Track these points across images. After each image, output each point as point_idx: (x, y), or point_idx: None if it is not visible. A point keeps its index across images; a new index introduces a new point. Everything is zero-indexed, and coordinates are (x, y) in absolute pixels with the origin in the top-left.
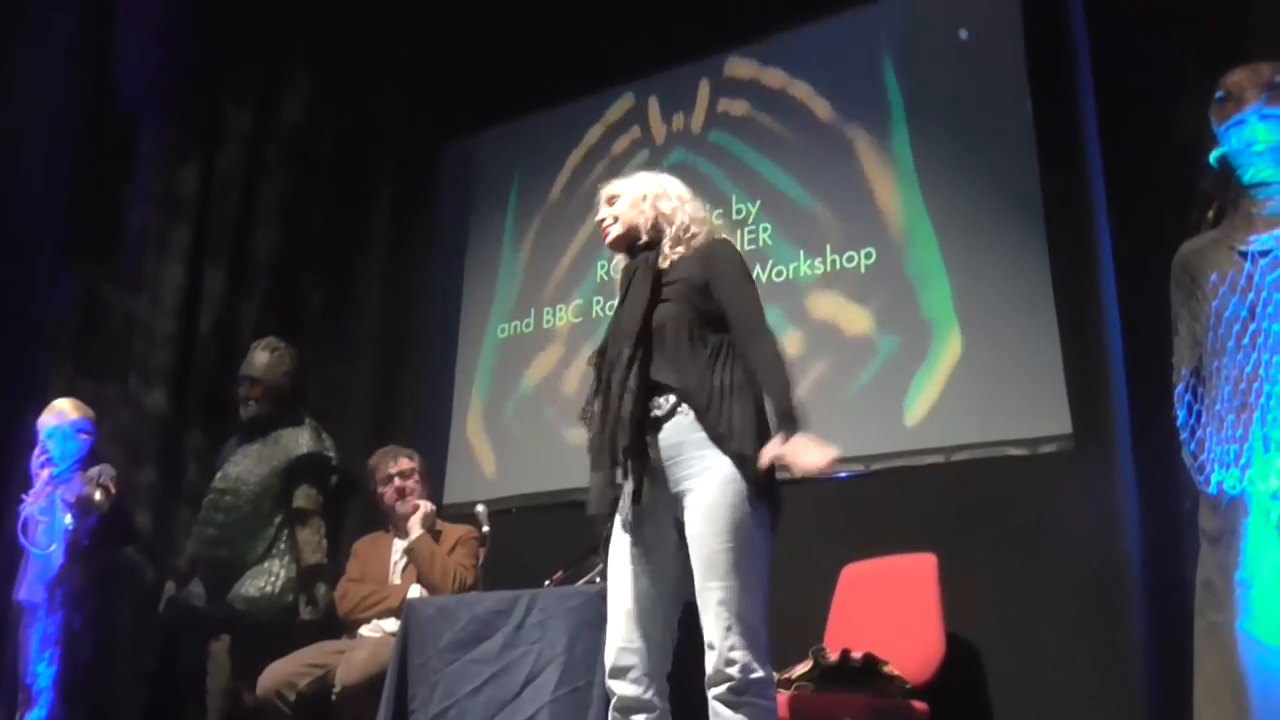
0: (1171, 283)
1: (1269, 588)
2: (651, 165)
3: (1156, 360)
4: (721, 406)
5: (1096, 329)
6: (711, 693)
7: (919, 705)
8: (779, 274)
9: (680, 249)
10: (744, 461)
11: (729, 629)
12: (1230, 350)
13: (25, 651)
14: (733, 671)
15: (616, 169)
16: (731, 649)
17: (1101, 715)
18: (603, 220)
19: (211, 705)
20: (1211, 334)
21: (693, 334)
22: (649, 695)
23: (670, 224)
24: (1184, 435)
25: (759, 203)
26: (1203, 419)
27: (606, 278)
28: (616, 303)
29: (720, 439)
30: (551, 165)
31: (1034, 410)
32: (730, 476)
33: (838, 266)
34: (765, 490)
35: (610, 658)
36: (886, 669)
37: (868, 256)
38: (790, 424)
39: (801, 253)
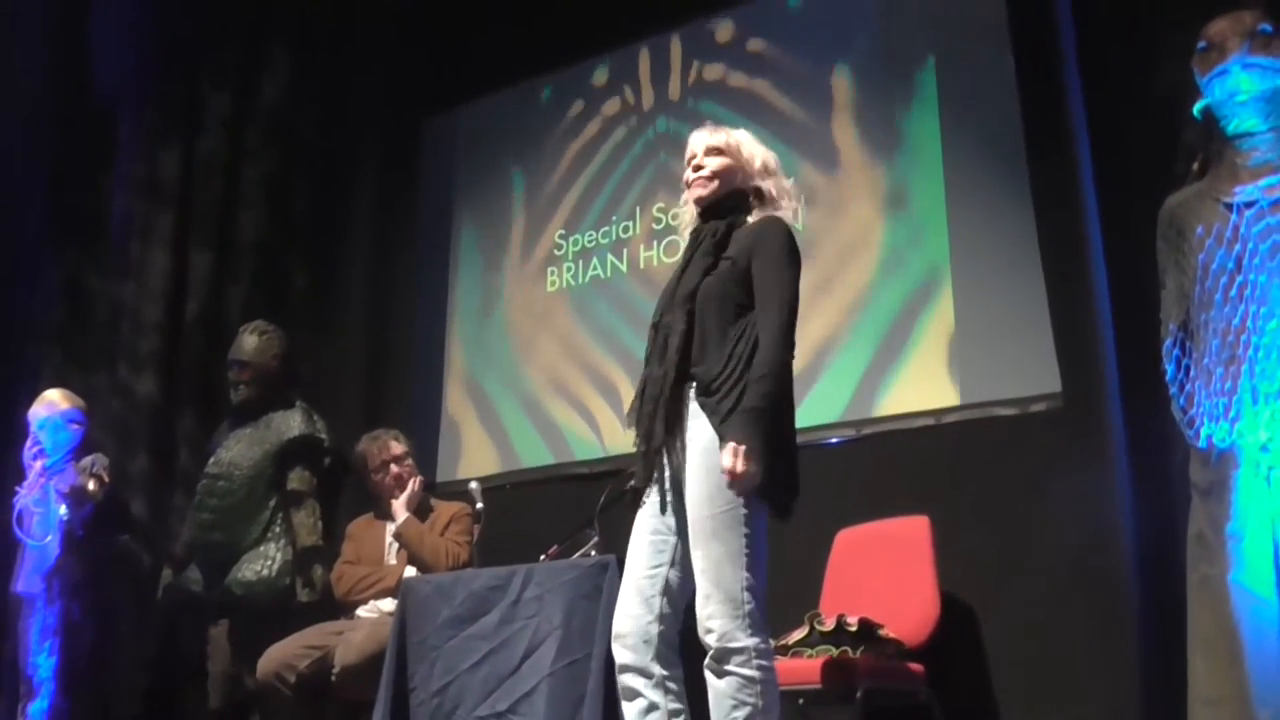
0: (1158, 237)
1: (1259, 540)
2: (636, 135)
3: (1144, 316)
4: (725, 383)
5: (1083, 286)
6: (704, 663)
7: (915, 667)
8: None
9: (750, 207)
10: (723, 437)
11: (707, 597)
12: (1218, 303)
13: (25, 643)
14: (709, 640)
15: (601, 139)
16: (709, 618)
17: (1096, 670)
18: (698, 171)
19: (212, 689)
20: (1198, 287)
21: (725, 313)
22: (646, 662)
23: (760, 199)
24: (1173, 390)
25: None
26: (1191, 373)
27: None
28: (680, 263)
29: (714, 414)
30: (533, 139)
31: (1023, 370)
32: (713, 448)
33: (823, 232)
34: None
35: (615, 623)
36: (882, 632)
37: (852, 222)
38: (745, 415)
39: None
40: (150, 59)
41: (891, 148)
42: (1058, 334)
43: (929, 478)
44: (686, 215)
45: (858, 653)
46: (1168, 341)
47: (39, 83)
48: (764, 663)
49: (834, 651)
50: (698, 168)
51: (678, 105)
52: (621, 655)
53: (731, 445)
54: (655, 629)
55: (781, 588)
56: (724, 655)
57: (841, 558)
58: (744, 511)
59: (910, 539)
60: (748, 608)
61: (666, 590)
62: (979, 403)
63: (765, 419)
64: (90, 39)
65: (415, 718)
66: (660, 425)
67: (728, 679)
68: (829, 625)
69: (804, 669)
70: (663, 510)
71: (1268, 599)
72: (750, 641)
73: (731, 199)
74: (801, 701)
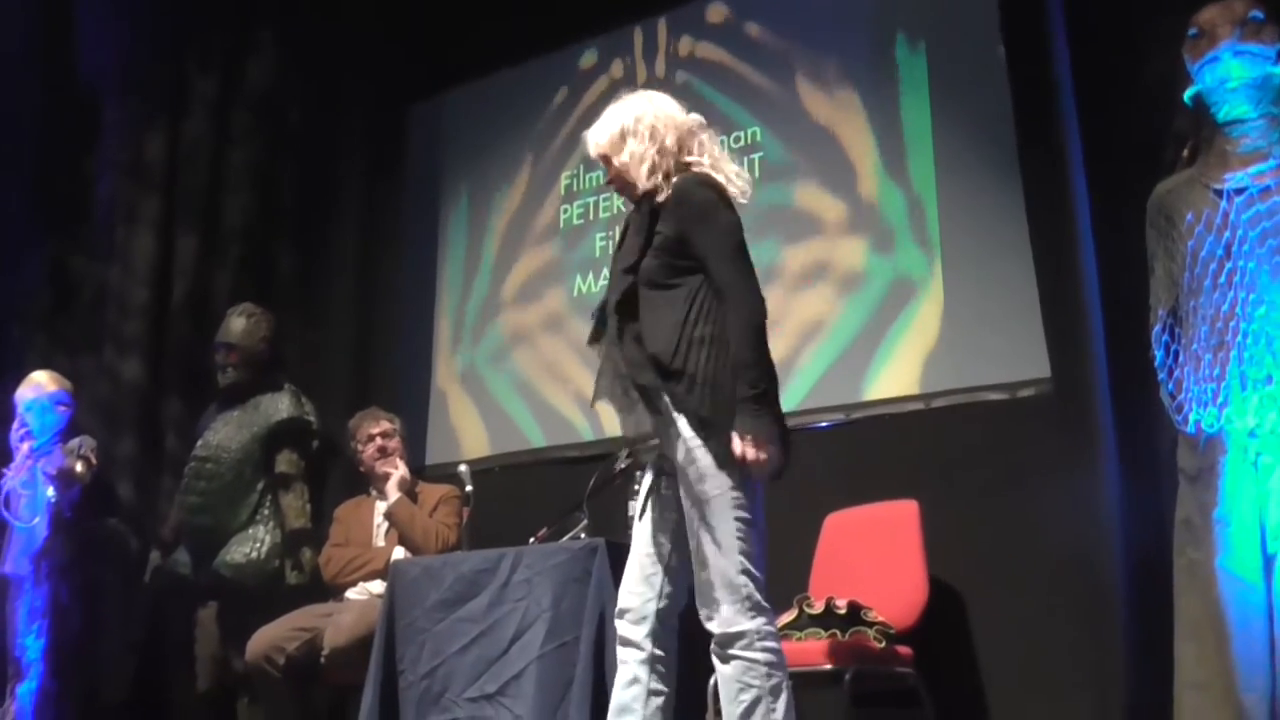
0: (1147, 223)
1: (1246, 525)
2: None
3: (1133, 301)
4: (685, 367)
5: (1073, 272)
6: (710, 647)
7: (903, 650)
8: (755, 224)
9: (662, 186)
10: (702, 423)
11: (705, 583)
12: (1207, 289)
13: (13, 625)
14: (712, 627)
15: (587, 122)
16: (709, 604)
17: (1083, 655)
18: (611, 185)
19: (201, 671)
20: (1188, 273)
21: (662, 290)
22: (641, 637)
23: (645, 161)
24: (1162, 375)
25: (731, 145)
26: (1180, 359)
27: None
28: (615, 249)
29: (681, 404)
30: (520, 122)
31: (1012, 355)
32: (689, 437)
33: (813, 217)
34: (721, 443)
35: (619, 598)
36: (871, 615)
37: (844, 206)
38: (743, 406)
39: (778, 201)
40: (136, 42)
41: (882, 132)
42: (1047, 319)
43: (918, 462)
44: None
45: (846, 635)
46: (1157, 327)
47: (24, 66)
48: (769, 644)
49: (823, 634)
50: (606, 180)
51: (672, 82)
52: (621, 629)
53: (744, 436)
54: (653, 606)
55: (770, 571)
56: (727, 640)
57: (830, 541)
58: (735, 495)
59: (899, 523)
60: (746, 591)
61: (668, 569)
62: (968, 387)
63: (763, 400)
64: (76, 22)
65: (404, 700)
66: (642, 406)
67: (733, 664)
68: (818, 608)
69: (793, 651)
70: (663, 489)
71: (1254, 584)
72: (752, 625)
73: (645, 181)
74: (789, 683)
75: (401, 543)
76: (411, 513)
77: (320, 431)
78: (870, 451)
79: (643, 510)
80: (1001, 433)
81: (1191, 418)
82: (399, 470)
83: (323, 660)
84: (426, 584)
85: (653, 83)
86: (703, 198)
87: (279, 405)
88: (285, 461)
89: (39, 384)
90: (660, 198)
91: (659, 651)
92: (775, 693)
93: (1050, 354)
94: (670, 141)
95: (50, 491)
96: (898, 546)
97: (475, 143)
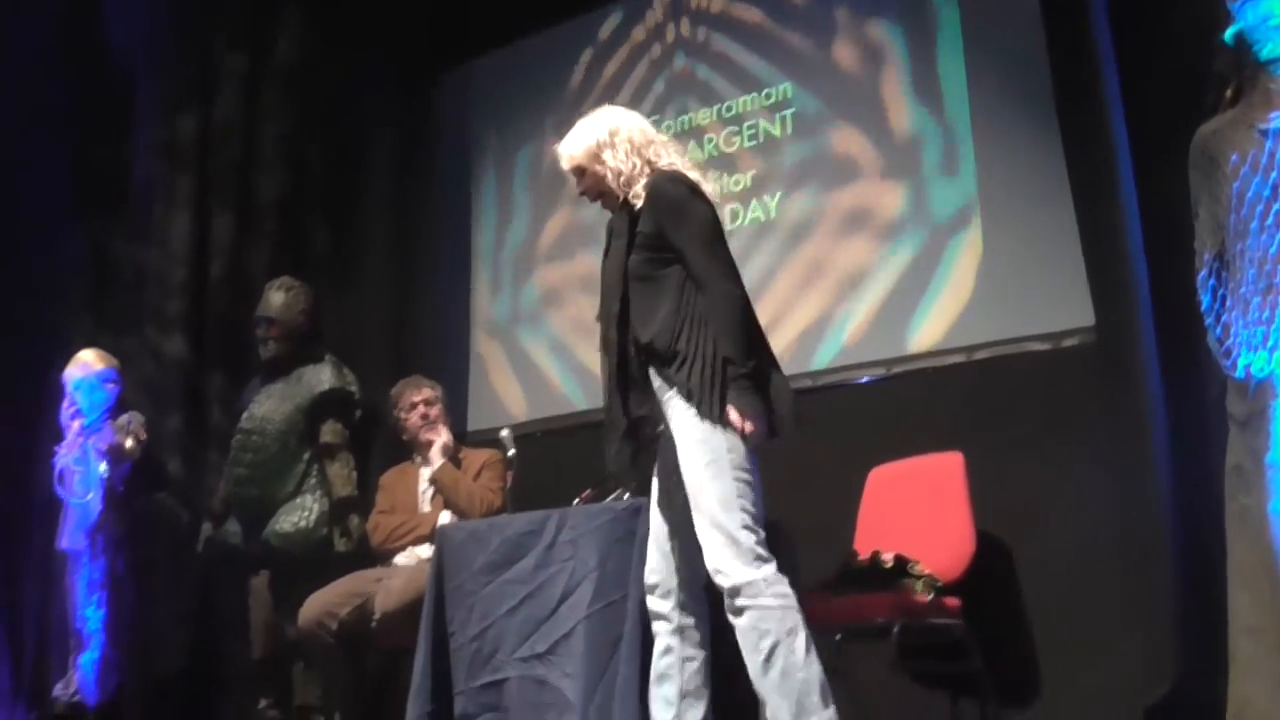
0: (1190, 166)
1: None
2: (656, 74)
3: (1178, 246)
4: (676, 346)
5: (1115, 218)
6: (725, 608)
7: (951, 602)
8: (789, 178)
9: (638, 192)
10: (691, 394)
11: (710, 543)
12: (1254, 231)
13: (73, 598)
14: (721, 582)
15: (619, 82)
16: (716, 562)
17: (1133, 604)
18: (585, 194)
19: (255, 639)
20: (1234, 216)
21: (650, 283)
22: (668, 610)
23: (623, 173)
24: (1209, 320)
25: (763, 103)
26: (1227, 303)
27: None
28: (603, 256)
29: (674, 380)
30: (548, 86)
31: (1055, 304)
32: (683, 409)
33: (849, 171)
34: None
35: (645, 575)
36: (917, 568)
37: (879, 158)
38: (733, 385)
39: (811, 155)
40: (164, 22)
41: (917, 82)
42: (1090, 267)
43: (962, 414)
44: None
45: (893, 589)
46: (1203, 272)
47: (55, 50)
48: (779, 588)
49: (870, 588)
50: (580, 190)
51: (695, 42)
52: (650, 603)
53: (737, 413)
54: (675, 580)
55: (816, 526)
56: (736, 592)
57: (875, 496)
58: (731, 456)
59: (944, 475)
60: (748, 544)
61: (683, 540)
62: (1011, 338)
63: (751, 378)
64: (104, 3)
65: (455, 662)
66: (630, 404)
67: (746, 615)
68: (864, 562)
69: (840, 606)
70: (659, 476)
71: None
72: (758, 574)
73: (623, 190)
74: (839, 638)
75: (447, 507)
76: (456, 478)
77: (362, 401)
78: (913, 405)
79: (653, 488)
80: (1046, 383)
81: (1240, 362)
82: (442, 436)
83: (374, 625)
84: (473, 547)
85: (679, 43)
86: (675, 193)
87: (321, 376)
88: (329, 431)
89: (86, 363)
90: (637, 203)
91: (688, 620)
92: (792, 634)
93: (1094, 302)
94: (648, 154)
95: (102, 467)
96: (943, 499)
97: (503, 109)
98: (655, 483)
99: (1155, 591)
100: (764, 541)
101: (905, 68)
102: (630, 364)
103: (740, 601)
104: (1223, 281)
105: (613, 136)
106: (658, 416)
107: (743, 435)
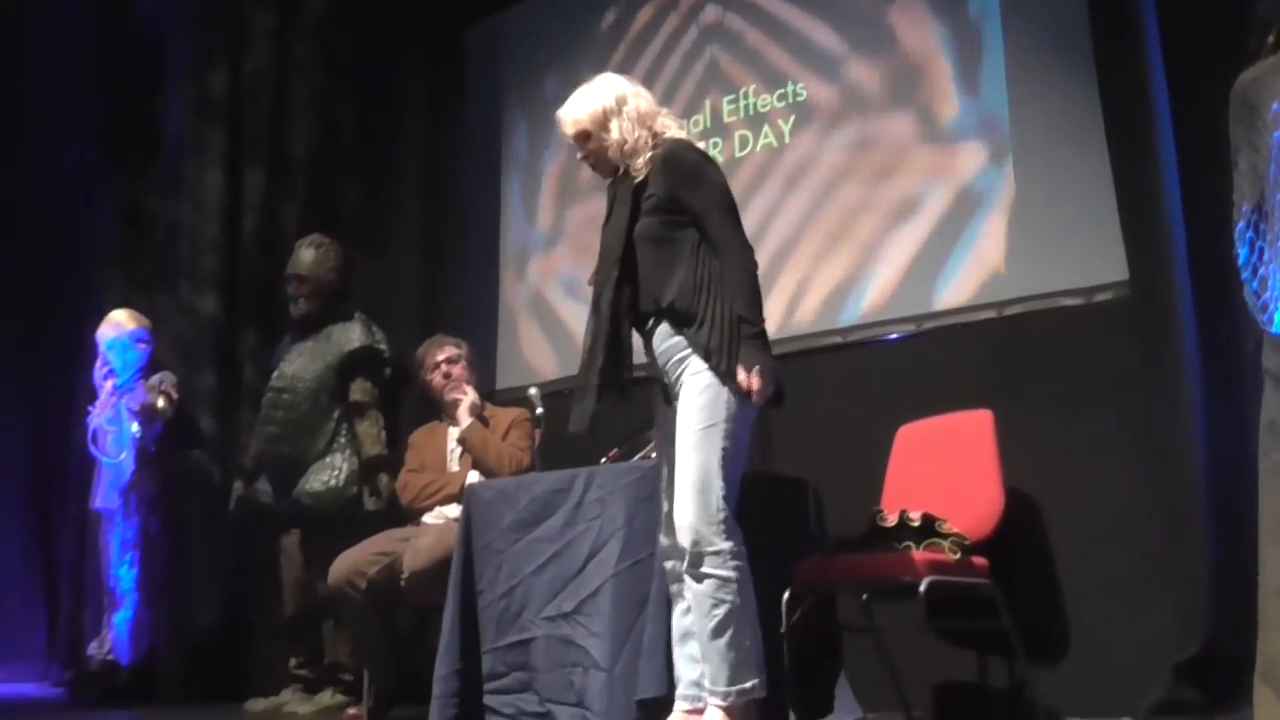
0: (1230, 115)
1: None
2: (685, 27)
3: (1215, 197)
4: (698, 311)
5: (1151, 169)
6: (682, 569)
7: (979, 561)
8: (818, 135)
9: (644, 159)
10: (709, 355)
11: (686, 505)
12: None
13: (106, 556)
14: (685, 543)
15: (646, 37)
16: (687, 524)
17: (1164, 561)
18: (582, 156)
19: (286, 596)
20: (1274, 166)
21: (665, 245)
22: (684, 569)
23: (628, 142)
24: (1245, 274)
25: (796, 60)
26: (1265, 256)
27: None
28: (603, 223)
29: (694, 340)
30: (579, 37)
31: (1088, 258)
32: (698, 369)
33: (881, 124)
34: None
35: (660, 537)
36: (945, 527)
37: (909, 112)
38: (749, 344)
39: (841, 112)
40: None
41: (952, 34)
42: (1124, 219)
43: (992, 371)
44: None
45: (921, 548)
46: (1240, 224)
47: (87, 8)
48: (739, 563)
49: (897, 547)
50: (581, 155)
51: None
52: (667, 565)
53: (753, 369)
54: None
55: (843, 484)
56: (700, 559)
57: (903, 454)
58: (727, 425)
59: (973, 433)
60: (722, 515)
61: None
62: (1043, 294)
63: (762, 337)
64: None
65: (483, 619)
66: (599, 371)
67: (707, 581)
68: (891, 521)
69: (867, 564)
70: (666, 440)
71: None
72: (726, 545)
73: (625, 159)
74: (865, 597)
75: (475, 467)
76: (484, 437)
77: (392, 359)
78: (943, 362)
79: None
80: (1078, 339)
81: (1277, 317)
82: (469, 395)
83: (403, 583)
84: (502, 506)
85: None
86: (693, 159)
87: (350, 334)
88: (359, 390)
89: (118, 323)
90: (640, 174)
91: None
92: (745, 608)
93: (1128, 255)
94: (654, 125)
95: (135, 427)
96: (972, 457)
97: (533, 62)
98: (664, 446)
99: (1187, 550)
100: (736, 512)
101: (940, 21)
102: (621, 326)
103: (705, 568)
104: (1261, 234)
105: (620, 105)
106: (659, 377)
107: (748, 394)
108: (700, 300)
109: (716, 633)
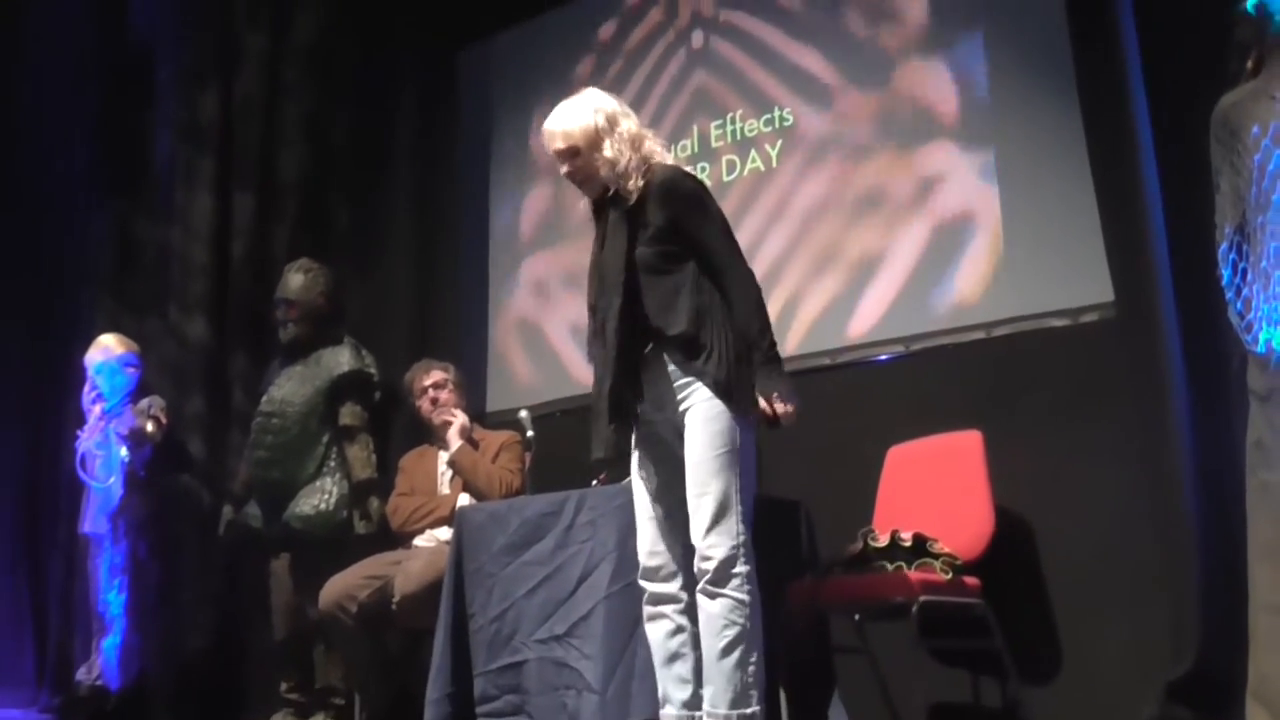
0: (1211, 138)
1: None
2: (673, 52)
3: (1198, 220)
4: (705, 341)
5: (1135, 191)
6: (697, 588)
7: (971, 581)
8: (805, 159)
9: (634, 182)
10: (718, 386)
11: (708, 529)
12: (1275, 204)
13: (95, 581)
14: (708, 566)
15: (638, 58)
16: (710, 547)
17: (1154, 582)
18: (569, 175)
19: (277, 621)
20: (1254, 188)
21: (666, 275)
22: (676, 590)
23: (620, 163)
24: (1229, 294)
25: (783, 85)
26: (1248, 277)
27: None
28: (595, 247)
29: (699, 370)
30: (570, 62)
31: (1074, 279)
32: (708, 397)
33: (867, 146)
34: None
35: (642, 560)
36: (936, 547)
37: (896, 139)
38: (766, 369)
39: (831, 132)
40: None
41: (935, 55)
42: (1109, 241)
43: (981, 392)
44: (584, 202)
45: (913, 568)
46: (1223, 245)
47: (77, 30)
48: (753, 588)
49: (889, 567)
50: (567, 171)
51: (713, 19)
52: (655, 587)
53: (770, 395)
54: (680, 560)
55: (835, 506)
56: (721, 580)
57: (894, 474)
58: (744, 452)
59: (963, 453)
60: (743, 538)
61: (679, 522)
62: (1030, 315)
63: (778, 361)
64: None
65: (475, 643)
66: (615, 397)
67: (721, 601)
68: (883, 541)
69: (859, 584)
70: (653, 463)
71: None
72: (744, 569)
73: (616, 180)
74: (858, 617)
75: (466, 490)
76: (474, 459)
77: (382, 383)
78: (932, 383)
79: (634, 478)
80: (1065, 359)
81: (1262, 337)
82: (459, 418)
83: (394, 606)
84: (492, 529)
85: (696, 17)
86: (691, 187)
87: (340, 359)
88: (348, 414)
89: (107, 347)
90: (631, 197)
91: (692, 597)
92: (753, 632)
93: (1113, 276)
94: (644, 149)
95: (123, 452)
96: (962, 477)
97: (524, 85)
98: (642, 470)
99: (1177, 569)
100: (753, 537)
101: (924, 43)
102: (630, 354)
103: (720, 588)
104: (1243, 255)
105: (612, 125)
106: (661, 404)
107: (772, 419)
108: (706, 330)
109: (725, 653)
